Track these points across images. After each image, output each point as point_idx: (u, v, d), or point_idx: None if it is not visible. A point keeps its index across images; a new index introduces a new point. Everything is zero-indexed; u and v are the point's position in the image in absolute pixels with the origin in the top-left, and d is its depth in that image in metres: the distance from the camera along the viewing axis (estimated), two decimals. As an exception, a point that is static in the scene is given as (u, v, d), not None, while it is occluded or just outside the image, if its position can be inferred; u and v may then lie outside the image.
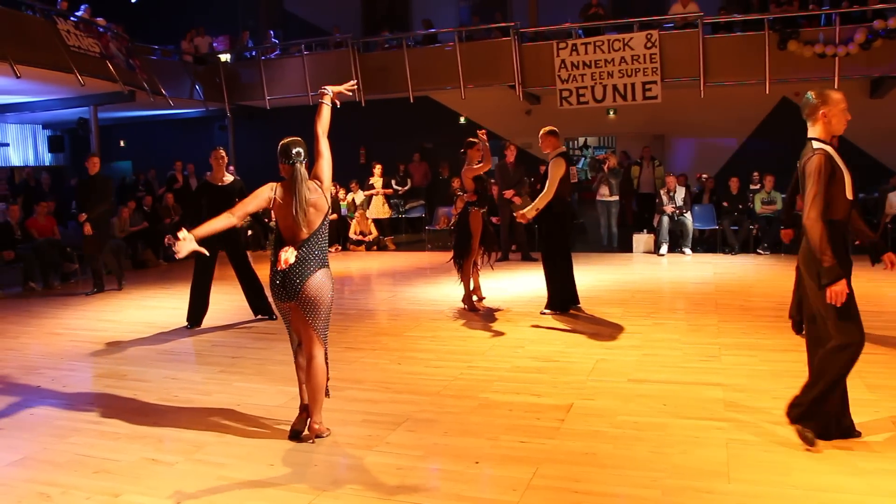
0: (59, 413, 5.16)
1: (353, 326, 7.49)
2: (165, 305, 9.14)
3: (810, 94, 4.14)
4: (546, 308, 7.71)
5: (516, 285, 9.59)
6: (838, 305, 3.84)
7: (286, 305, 4.36)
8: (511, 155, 11.77)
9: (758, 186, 12.42)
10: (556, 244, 7.59)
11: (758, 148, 14.21)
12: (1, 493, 3.85)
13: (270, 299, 4.41)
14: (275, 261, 4.24)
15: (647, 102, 13.18)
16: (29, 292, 10.57)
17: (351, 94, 4.63)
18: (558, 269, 7.63)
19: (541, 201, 7.42)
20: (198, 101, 15.94)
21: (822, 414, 4.08)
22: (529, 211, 7.46)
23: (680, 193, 12.24)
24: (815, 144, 4.04)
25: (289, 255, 4.18)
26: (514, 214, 7.82)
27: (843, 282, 3.82)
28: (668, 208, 12.12)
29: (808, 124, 4.14)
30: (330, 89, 4.51)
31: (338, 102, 4.55)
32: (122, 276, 10.69)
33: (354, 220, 14.49)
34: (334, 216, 14.15)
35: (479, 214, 7.89)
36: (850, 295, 3.92)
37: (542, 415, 4.72)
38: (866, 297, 6.75)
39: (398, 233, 15.92)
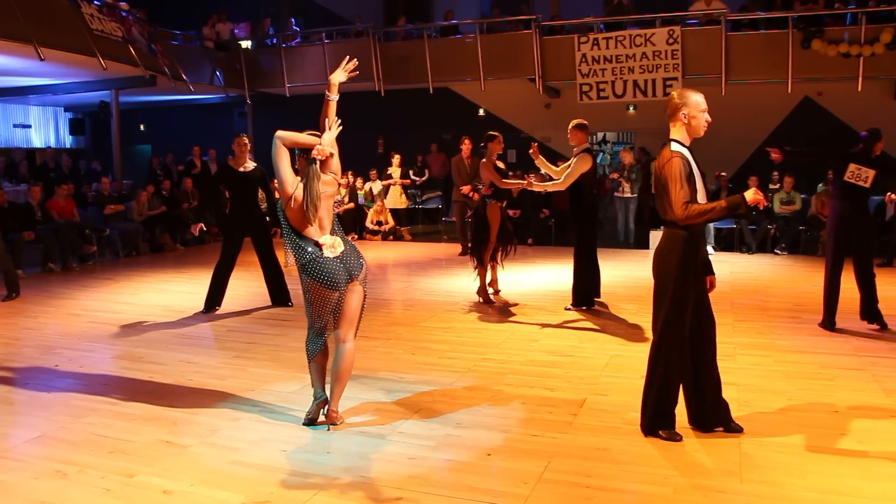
0: (76, 393, 5.21)
1: (367, 316, 7.39)
2: (182, 289, 9.20)
3: (673, 94, 4.16)
4: (572, 304, 7.70)
5: (532, 279, 9.59)
6: (762, 206, 3.98)
7: (336, 294, 4.33)
8: (466, 150, 11.46)
9: (777, 186, 12.34)
10: (588, 238, 7.61)
11: (778, 147, 14.08)
12: (18, 469, 3.91)
13: (312, 289, 4.33)
14: (317, 253, 4.26)
15: (668, 99, 13.09)
16: (48, 273, 10.67)
17: (356, 73, 4.58)
18: (587, 263, 7.62)
19: (553, 186, 7.59)
20: (218, 86, 15.99)
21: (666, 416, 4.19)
22: (539, 186, 7.65)
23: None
24: (674, 147, 4.06)
25: (337, 241, 4.31)
26: (526, 179, 7.84)
27: (753, 189, 3.95)
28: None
29: (670, 125, 4.15)
30: (337, 80, 4.43)
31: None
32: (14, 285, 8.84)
33: (372, 210, 14.51)
34: (351, 205, 14.18)
35: (497, 207, 7.91)
36: (685, 300, 4.02)
37: (555, 409, 4.72)
38: (884, 300, 6.70)
39: (415, 223, 15.94)
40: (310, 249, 4.29)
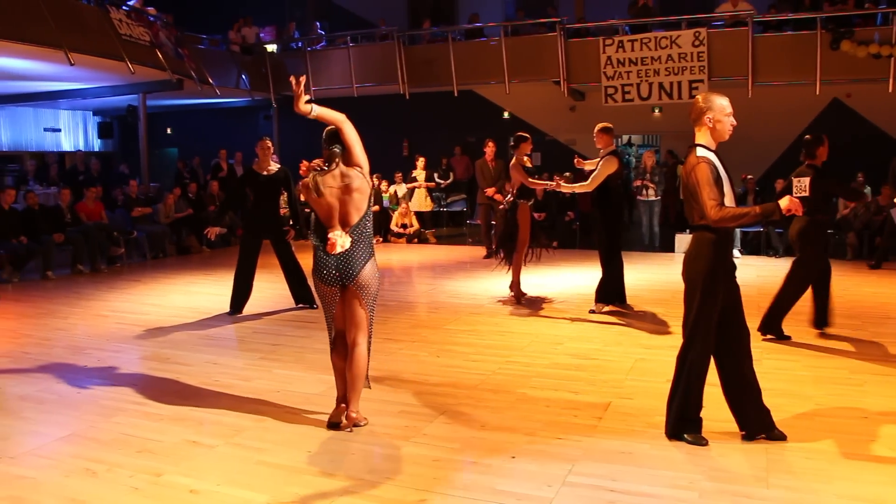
0: (105, 392, 5.28)
1: (392, 318, 7.53)
2: (208, 291, 9.28)
3: (698, 98, 4.13)
4: (597, 301, 7.69)
5: (556, 282, 9.55)
6: (795, 212, 3.90)
7: (334, 290, 4.36)
8: (490, 152, 11.43)
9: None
10: (615, 237, 7.62)
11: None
12: (49, 467, 3.98)
13: (314, 284, 4.46)
14: (323, 246, 4.23)
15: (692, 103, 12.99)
16: (77, 274, 10.81)
17: (299, 89, 4.46)
18: (615, 261, 7.63)
19: (580, 188, 7.67)
20: (243, 90, 16.12)
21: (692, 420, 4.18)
22: (566, 187, 7.78)
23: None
24: (700, 152, 4.03)
25: (344, 240, 4.16)
26: (555, 179, 7.92)
27: (787, 197, 3.95)
28: None
29: (695, 129, 4.13)
30: (304, 108, 4.43)
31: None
32: None
33: (397, 212, 14.55)
34: (376, 207, 14.23)
35: (526, 208, 8.03)
36: (713, 304, 3.99)
37: (580, 412, 4.71)
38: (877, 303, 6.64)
39: (439, 226, 15.96)
40: (315, 242, 4.34)
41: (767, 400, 4.72)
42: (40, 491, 3.70)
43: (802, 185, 6.27)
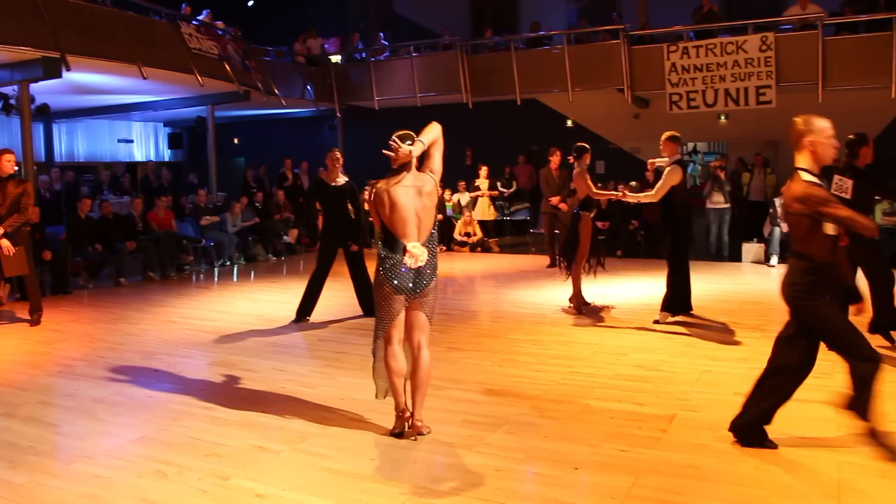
0: (175, 397, 5.43)
1: (455, 327, 7.55)
2: (274, 299, 9.45)
3: (797, 120, 3.98)
4: (662, 310, 7.59)
5: (621, 291, 9.44)
6: None
7: (402, 297, 4.37)
8: (555, 161, 11.34)
9: (878, 197, 11.82)
10: (680, 249, 7.53)
11: (880, 156, 13.47)
12: (123, 468, 4.12)
13: (381, 291, 4.39)
14: (401, 258, 4.26)
15: (761, 107, 12.74)
16: (148, 281, 11.14)
17: (398, 150, 4.33)
18: (681, 273, 7.55)
19: (645, 198, 7.64)
20: (309, 100, 16.39)
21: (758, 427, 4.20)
22: (632, 197, 7.76)
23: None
24: (805, 176, 3.89)
25: (424, 254, 4.24)
26: (620, 189, 7.88)
27: None
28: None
29: (795, 153, 3.98)
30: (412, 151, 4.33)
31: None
32: (38, 304, 8.15)
33: (460, 221, 14.58)
34: (440, 216, 14.29)
35: (588, 219, 8.00)
36: (832, 318, 4.03)
37: (644, 424, 4.65)
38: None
39: (502, 235, 15.93)
40: (386, 252, 4.34)
41: (839, 415, 4.57)
42: (114, 490, 3.83)
43: (845, 185, 6.06)
